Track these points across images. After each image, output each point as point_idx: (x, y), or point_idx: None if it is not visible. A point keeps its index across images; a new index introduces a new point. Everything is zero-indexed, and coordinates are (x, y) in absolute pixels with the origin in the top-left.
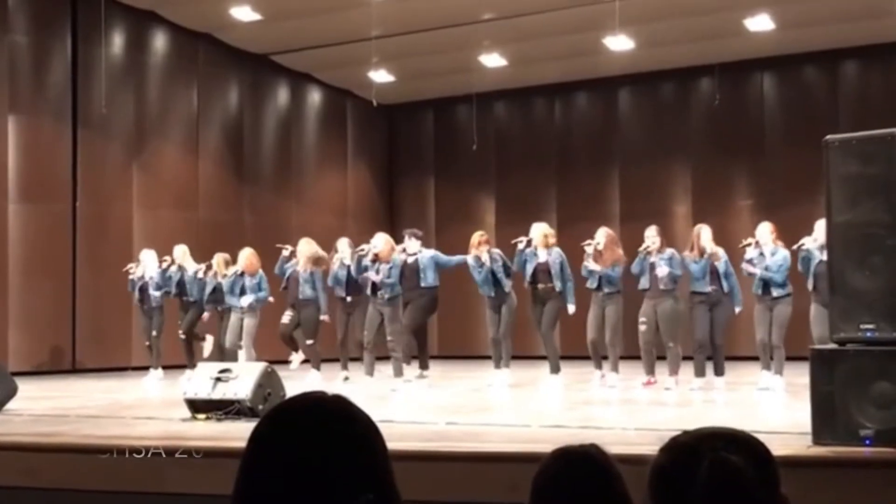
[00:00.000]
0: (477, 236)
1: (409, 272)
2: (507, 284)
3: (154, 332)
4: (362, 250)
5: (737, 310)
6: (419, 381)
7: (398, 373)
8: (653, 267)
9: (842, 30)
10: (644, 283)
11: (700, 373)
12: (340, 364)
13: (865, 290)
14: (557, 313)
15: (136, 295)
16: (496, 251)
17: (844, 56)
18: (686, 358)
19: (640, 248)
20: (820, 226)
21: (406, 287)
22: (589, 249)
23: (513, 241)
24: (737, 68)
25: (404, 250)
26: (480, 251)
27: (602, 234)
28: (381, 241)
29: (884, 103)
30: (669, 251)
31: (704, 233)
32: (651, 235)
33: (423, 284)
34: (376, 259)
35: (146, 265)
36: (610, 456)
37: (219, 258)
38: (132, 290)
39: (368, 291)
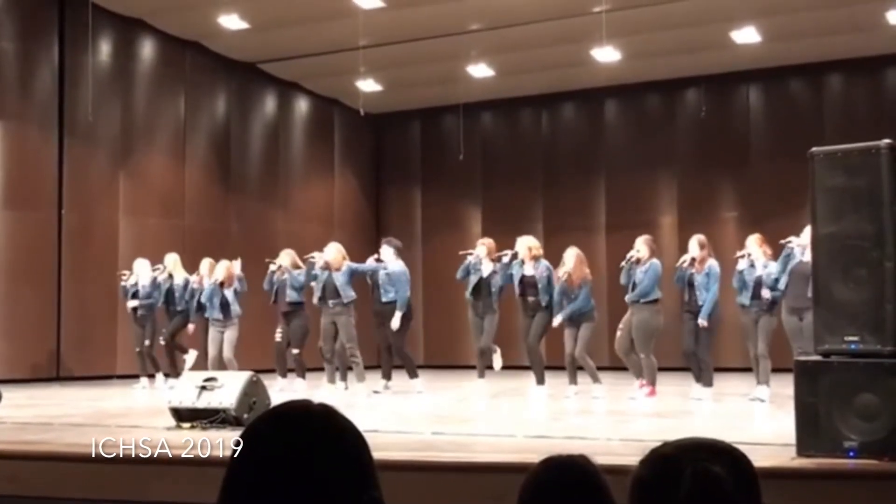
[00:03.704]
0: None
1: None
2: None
3: (147, 342)
4: (312, 257)
5: (700, 322)
6: (386, 391)
7: (362, 378)
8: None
9: (827, 43)
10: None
11: (696, 379)
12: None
13: (850, 302)
14: (545, 326)
15: (128, 303)
16: (498, 264)
17: (830, 69)
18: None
19: (623, 262)
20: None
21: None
22: (563, 276)
23: (495, 256)
24: (723, 80)
25: (378, 259)
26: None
27: (571, 256)
28: (332, 250)
29: (868, 116)
30: (648, 263)
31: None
32: (638, 244)
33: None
34: (327, 267)
35: (139, 275)
36: (597, 466)
37: (206, 264)
38: (124, 296)
39: (316, 300)
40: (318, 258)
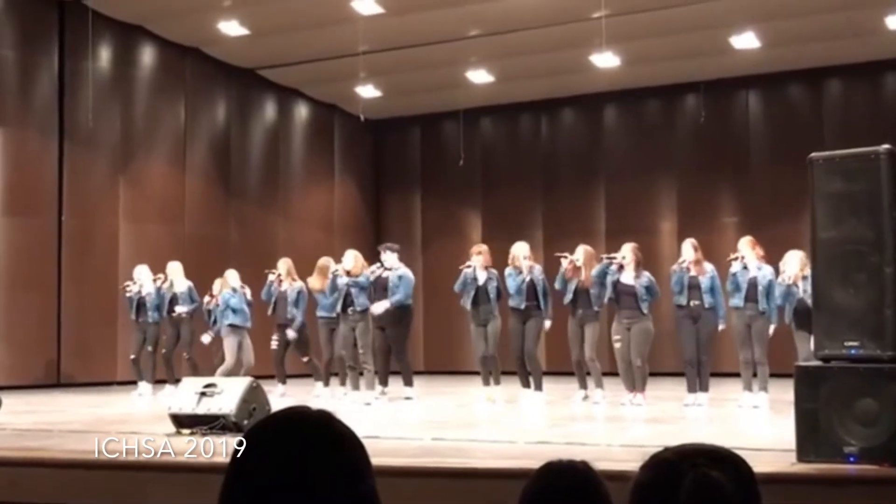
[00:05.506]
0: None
1: (380, 288)
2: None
3: (150, 348)
4: (337, 272)
5: (720, 326)
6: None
7: (370, 386)
8: (618, 284)
9: (826, 48)
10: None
11: (691, 388)
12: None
13: (850, 308)
14: (540, 331)
15: (133, 312)
16: (492, 270)
17: (829, 74)
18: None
19: (604, 256)
20: (792, 256)
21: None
22: (565, 262)
23: (520, 263)
24: (722, 86)
25: (381, 265)
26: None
27: (581, 251)
28: (350, 259)
29: (868, 121)
30: (644, 275)
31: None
32: (625, 251)
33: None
34: (348, 276)
35: (142, 282)
36: (598, 472)
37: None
38: (131, 307)
39: (338, 309)
40: (340, 269)
